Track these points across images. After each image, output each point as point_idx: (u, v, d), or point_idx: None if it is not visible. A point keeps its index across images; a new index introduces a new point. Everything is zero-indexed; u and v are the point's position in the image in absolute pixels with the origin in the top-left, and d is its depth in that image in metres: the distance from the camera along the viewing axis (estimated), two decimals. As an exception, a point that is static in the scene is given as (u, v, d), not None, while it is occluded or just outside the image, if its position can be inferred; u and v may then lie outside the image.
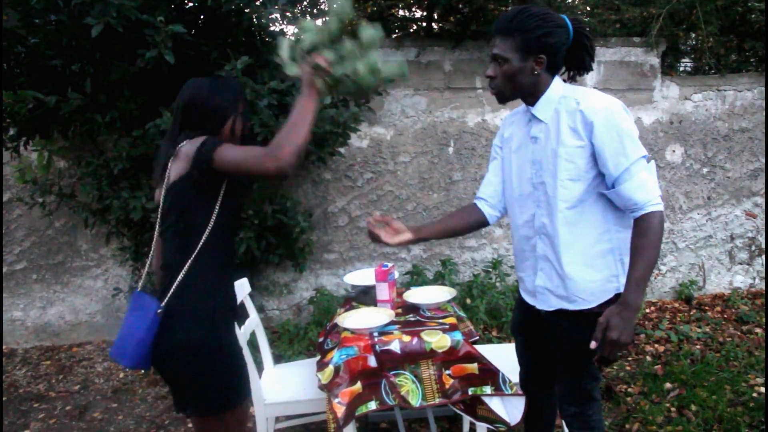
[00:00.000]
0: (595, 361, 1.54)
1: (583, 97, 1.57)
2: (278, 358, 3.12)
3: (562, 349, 1.71)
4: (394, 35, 4.49)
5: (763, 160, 4.21)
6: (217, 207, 1.53)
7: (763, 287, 4.30)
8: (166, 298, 1.51)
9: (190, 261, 1.51)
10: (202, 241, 1.52)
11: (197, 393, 1.52)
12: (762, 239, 4.30)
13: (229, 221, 1.60)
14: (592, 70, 1.72)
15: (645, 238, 1.49)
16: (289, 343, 3.61)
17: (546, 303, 1.72)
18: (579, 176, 1.58)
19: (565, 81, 1.71)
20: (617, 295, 1.59)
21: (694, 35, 4.62)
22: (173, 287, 1.51)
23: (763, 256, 4.31)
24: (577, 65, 1.67)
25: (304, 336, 3.65)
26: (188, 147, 1.52)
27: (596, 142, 1.53)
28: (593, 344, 1.51)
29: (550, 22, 1.55)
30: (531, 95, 1.65)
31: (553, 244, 1.65)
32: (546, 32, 1.54)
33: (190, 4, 3.07)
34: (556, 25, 1.56)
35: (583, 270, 1.62)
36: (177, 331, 1.48)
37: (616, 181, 1.53)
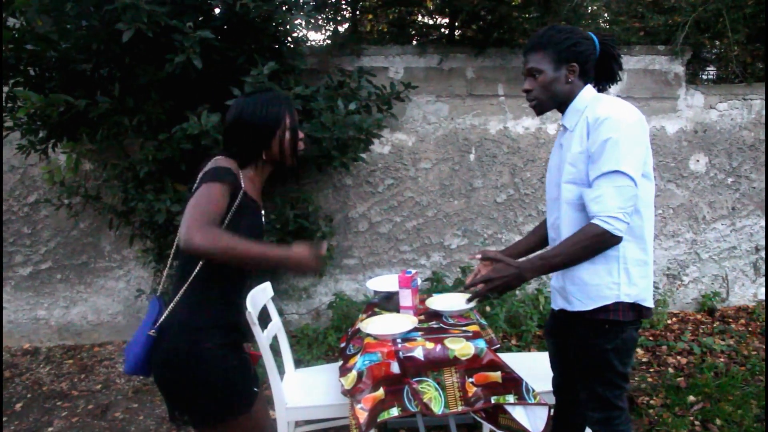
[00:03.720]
0: (464, 289, 1.78)
1: (595, 105, 1.63)
2: (297, 363, 3.13)
3: (578, 355, 1.74)
4: (416, 42, 4.52)
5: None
6: None
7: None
8: (164, 314, 1.54)
9: (190, 279, 1.52)
10: (200, 263, 1.52)
11: (185, 404, 1.54)
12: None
13: None
14: (621, 80, 1.82)
15: (575, 236, 1.58)
16: (308, 347, 3.62)
17: (554, 302, 1.82)
18: (581, 180, 1.63)
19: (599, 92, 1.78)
20: (616, 303, 1.64)
21: (719, 43, 4.57)
22: (172, 303, 1.54)
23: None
24: (606, 76, 1.78)
25: (323, 341, 3.66)
26: (211, 162, 1.55)
27: (588, 146, 1.59)
28: (468, 279, 1.77)
29: (576, 34, 1.68)
30: (565, 104, 1.72)
31: None
32: (574, 42, 1.66)
33: (218, 11, 3.11)
34: (582, 37, 1.68)
35: (583, 272, 1.66)
36: (164, 342, 1.51)
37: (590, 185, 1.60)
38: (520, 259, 1.67)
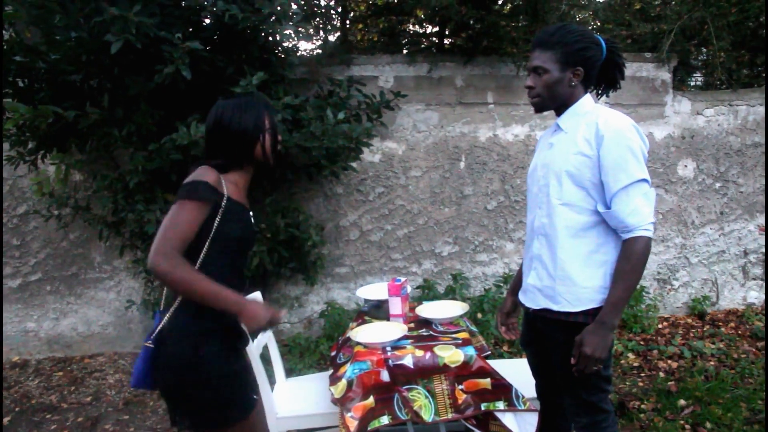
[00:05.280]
0: (575, 373, 1.64)
1: (604, 114, 1.64)
2: (289, 372, 3.12)
3: (561, 362, 1.74)
4: (406, 51, 4.55)
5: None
6: (207, 240, 1.53)
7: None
8: (163, 322, 1.55)
9: None
10: (196, 267, 1.53)
11: (186, 408, 1.55)
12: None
13: (229, 255, 1.59)
14: (620, 87, 1.80)
15: (629, 262, 1.59)
16: (300, 356, 3.61)
17: (533, 301, 1.79)
18: (582, 185, 1.65)
19: (597, 96, 1.81)
20: (597, 308, 1.65)
21: (705, 50, 4.63)
22: (171, 309, 1.55)
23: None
24: (607, 82, 1.79)
25: (315, 349, 3.65)
26: (193, 174, 1.55)
27: (602, 154, 1.60)
28: (572, 360, 1.63)
29: (588, 38, 1.66)
30: (564, 106, 1.73)
31: (550, 244, 1.72)
32: (584, 46, 1.65)
33: (207, 22, 3.13)
34: (592, 42, 1.67)
35: (575, 274, 1.67)
36: (166, 348, 1.53)
37: (612, 198, 1.61)
38: (588, 326, 1.63)
